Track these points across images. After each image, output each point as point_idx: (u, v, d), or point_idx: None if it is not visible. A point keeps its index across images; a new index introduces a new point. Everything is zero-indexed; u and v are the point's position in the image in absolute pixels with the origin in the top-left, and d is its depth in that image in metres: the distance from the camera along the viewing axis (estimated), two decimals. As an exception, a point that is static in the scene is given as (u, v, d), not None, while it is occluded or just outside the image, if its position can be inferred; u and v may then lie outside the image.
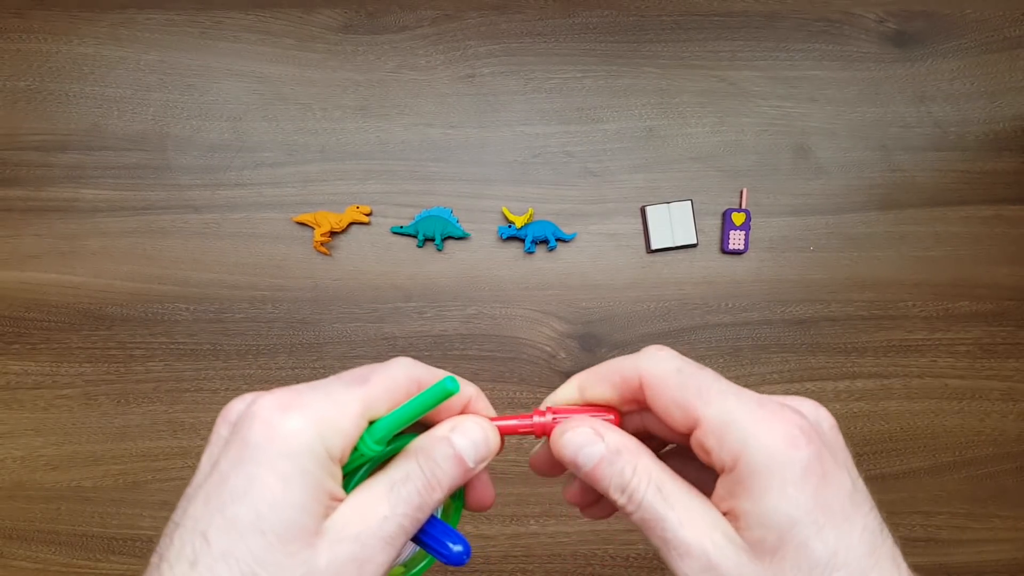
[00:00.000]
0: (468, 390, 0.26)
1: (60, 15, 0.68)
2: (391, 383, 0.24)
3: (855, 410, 0.67)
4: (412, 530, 0.22)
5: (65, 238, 0.66)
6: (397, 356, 0.26)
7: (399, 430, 0.23)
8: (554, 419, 0.26)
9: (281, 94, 0.67)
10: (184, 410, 0.65)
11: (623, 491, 0.22)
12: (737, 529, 0.21)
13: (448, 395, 0.23)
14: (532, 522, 0.66)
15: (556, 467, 0.27)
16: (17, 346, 0.66)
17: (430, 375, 0.25)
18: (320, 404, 0.22)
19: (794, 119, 0.68)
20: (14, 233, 0.66)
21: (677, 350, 0.25)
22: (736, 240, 0.66)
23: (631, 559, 0.66)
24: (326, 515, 0.21)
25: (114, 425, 0.65)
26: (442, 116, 0.67)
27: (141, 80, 0.67)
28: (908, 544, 0.67)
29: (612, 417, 0.25)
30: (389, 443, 0.24)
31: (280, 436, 0.21)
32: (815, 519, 0.19)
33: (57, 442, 0.65)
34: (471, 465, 0.24)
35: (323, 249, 0.66)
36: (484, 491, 0.27)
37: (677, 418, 0.23)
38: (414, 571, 0.27)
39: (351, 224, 0.66)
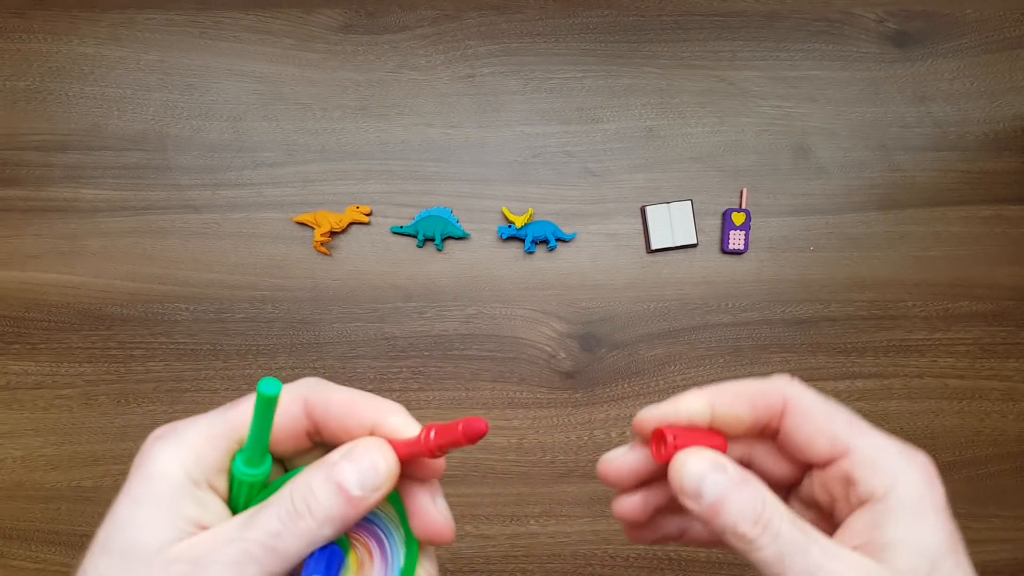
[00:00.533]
0: (380, 406, 0.24)
1: (60, 15, 0.68)
2: None
3: (855, 410, 0.67)
4: (270, 560, 0.20)
5: (65, 238, 0.66)
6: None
7: (262, 448, 0.22)
8: (434, 440, 0.22)
9: (281, 94, 0.67)
10: (184, 410, 0.65)
11: (756, 522, 0.21)
12: (878, 561, 0.21)
13: (266, 400, 0.21)
14: (532, 522, 0.66)
15: (634, 480, 0.25)
16: (17, 346, 0.66)
17: (326, 393, 0.24)
18: (186, 431, 0.23)
19: (794, 119, 0.68)
20: (14, 233, 0.66)
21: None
22: (736, 240, 0.66)
23: (631, 559, 0.66)
24: (182, 540, 0.21)
25: (114, 425, 0.65)
26: (442, 116, 0.67)
27: (141, 80, 0.67)
28: (908, 544, 0.67)
29: (720, 443, 0.24)
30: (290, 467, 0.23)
31: (143, 464, 0.22)
32: (954, 551, 0.21)
33: (57, 442, 0.65)
34: (357, 494, 0.21)
35: (323, 249, 0.66)
36: (431, 521, 0.24)
37: (820, 446, 0.23)
38: None
39: (351, 224, 0.66)
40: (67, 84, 0.67)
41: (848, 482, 0.22)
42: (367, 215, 0.66)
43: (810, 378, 0.67)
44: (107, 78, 0.67)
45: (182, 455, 0.22)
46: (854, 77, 0.69)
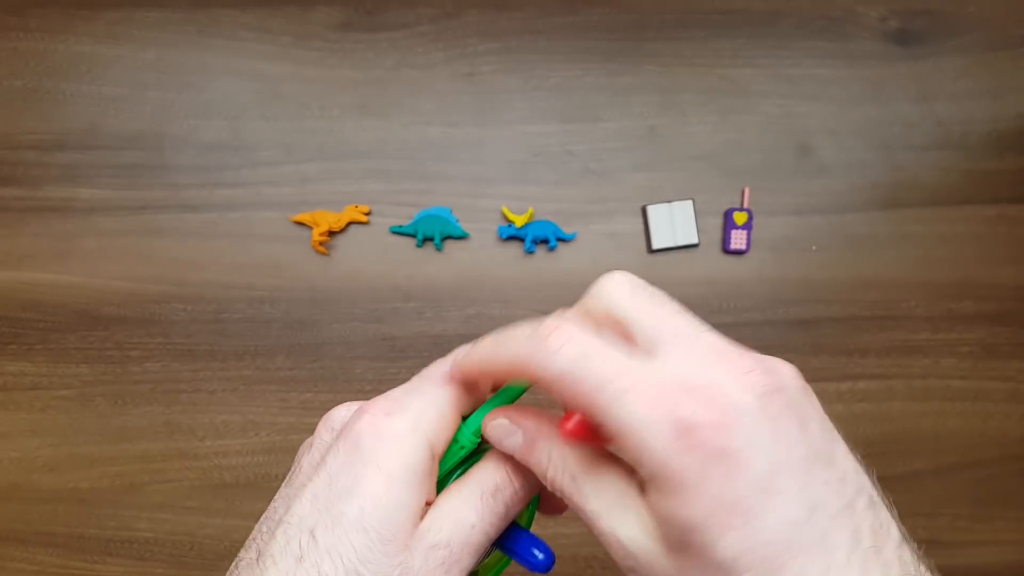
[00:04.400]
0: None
1: (57, 13, 0.67)
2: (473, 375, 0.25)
3: (858, 411, 0.66)
4: (495, 537, 0.23)
5: (61, 238, 0.66)
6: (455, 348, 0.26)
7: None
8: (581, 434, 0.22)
9: (279, 92, 0.67)
10: (181, 411, 0.65)
11: (545, 478, 0.23)
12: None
13: (519, 394, 0.25)
14: (532, 524, 0.66)
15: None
16: (13, 346, 0.65)
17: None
18: (420, 406, 0.23)
19: (796, 118, 0.68)
20: (10, 233, 0.66)
21: None
22: (738, 240, 0.66)
23: (632, 561, 0.66)
24: (422, 516, 0.22)
25: (111, 426, 0.65)
26: (441, 114, 0.67)
27: (138, 79, 0.67)
28: (911, 546, 0.66)
29: None
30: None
31: (387, 438, 0.22)
32: (717, 522, 0.18)
33: (54, 443, 0.65)
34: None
35: (321, 249, 0.65)
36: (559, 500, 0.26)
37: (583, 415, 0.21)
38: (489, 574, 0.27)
39: (350, 224, 0.66)
40: (63, 83, 0.67)
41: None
42: (366, 215, 0.65)
43: (812, 379, 0.65)
44: (104, 77, 0.67)
45: (430, 435, 0.23)
46: (856, 76, 0.68)
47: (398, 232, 0.66)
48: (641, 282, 0.23)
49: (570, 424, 0.22)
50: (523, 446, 0.23)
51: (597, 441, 0.22)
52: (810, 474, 0.18)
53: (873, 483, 0.20)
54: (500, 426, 0.24)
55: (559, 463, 0.22)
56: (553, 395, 0.21)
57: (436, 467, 0.23)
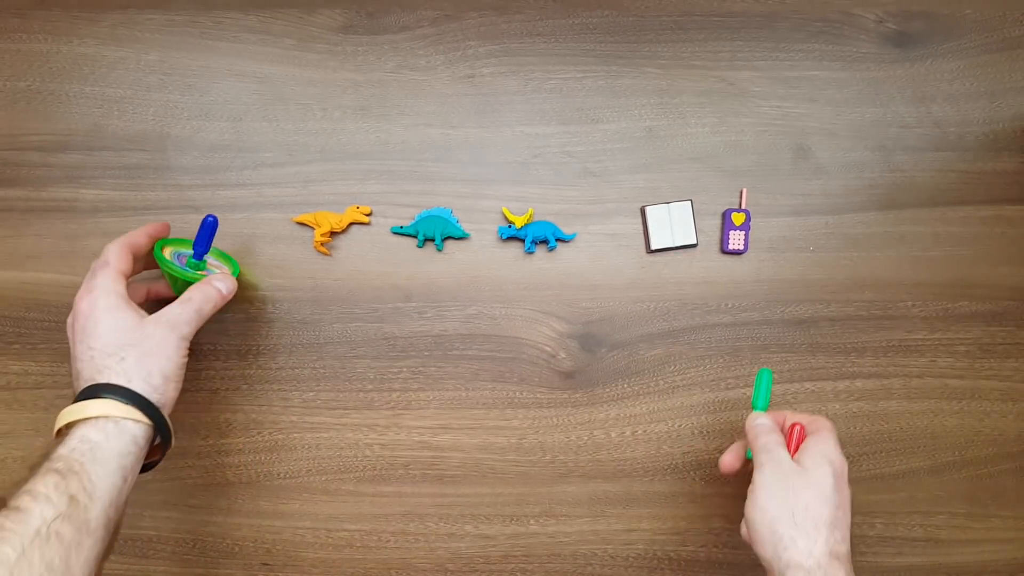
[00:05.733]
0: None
1: (60, 15, 0.68)
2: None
3: (854, 410, 0.67)
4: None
5: (66, 238, 0.66)
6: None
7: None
8: None
9: (281, 94, 0.67)
10: (184, 410, 0.65)
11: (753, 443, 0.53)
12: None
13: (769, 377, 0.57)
14: (532, 522, 0.66)
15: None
16: (17, 346, 0.66)
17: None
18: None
19: (794, 119, 0.68)
20: (14, 233, 0.66)
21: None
22: (736, 240, 0.66)
23: (631, 559, 0.66)
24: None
25: (114, 425, 0.65)
26: (442, 116, 0.68)
27: (141, 80, 0.67)
28: (907, 544, 0.67)
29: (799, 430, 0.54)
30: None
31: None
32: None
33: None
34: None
35: (323, 249, 0.66)
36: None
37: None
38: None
39: (351, 224, 0.66)
40: (67, 84, 0.67)
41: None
42: (367, 215, 0.66)
43: (810, 378, 0.67)
44: (107, 78, 0.67)
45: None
46: (853, 77, 0.69)
47: (399, 233, 0.66)
48: None
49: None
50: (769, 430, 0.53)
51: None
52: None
53: None
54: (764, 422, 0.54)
55: (771, 441, 0.52)
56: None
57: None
